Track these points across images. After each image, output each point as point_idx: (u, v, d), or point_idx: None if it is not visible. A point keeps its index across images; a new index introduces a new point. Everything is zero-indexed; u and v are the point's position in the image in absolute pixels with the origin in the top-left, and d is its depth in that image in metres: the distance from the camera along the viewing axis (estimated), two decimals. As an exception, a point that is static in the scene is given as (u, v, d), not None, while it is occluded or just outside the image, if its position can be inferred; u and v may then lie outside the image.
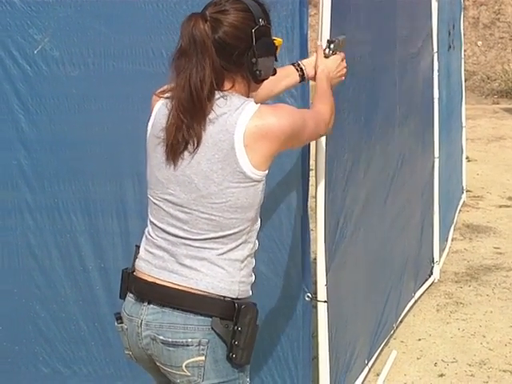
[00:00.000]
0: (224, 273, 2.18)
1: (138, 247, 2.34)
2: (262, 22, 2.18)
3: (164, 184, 2.21)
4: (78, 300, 3.28)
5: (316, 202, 2.95)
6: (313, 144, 2.91)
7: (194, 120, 2.12)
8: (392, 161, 4.26)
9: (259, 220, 2.26)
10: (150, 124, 2.26)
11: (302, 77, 2.65)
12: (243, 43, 2.16)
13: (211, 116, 2.13)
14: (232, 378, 2.20)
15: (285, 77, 2.61)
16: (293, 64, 2.67)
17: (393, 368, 4.05)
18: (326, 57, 2.62)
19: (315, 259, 3.03)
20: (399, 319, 4.53)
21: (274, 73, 2.30)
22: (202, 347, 2.15)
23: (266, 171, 2.18)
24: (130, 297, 2.27)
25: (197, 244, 2.18)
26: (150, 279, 2.22)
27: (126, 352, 2.30)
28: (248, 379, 2.26)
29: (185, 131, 2.13)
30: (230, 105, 2.14)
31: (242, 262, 2.21)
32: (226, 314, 2.15)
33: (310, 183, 2.98)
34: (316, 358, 3.12)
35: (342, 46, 2.66)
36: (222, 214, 2.16)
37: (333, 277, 3.11)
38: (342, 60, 2.64)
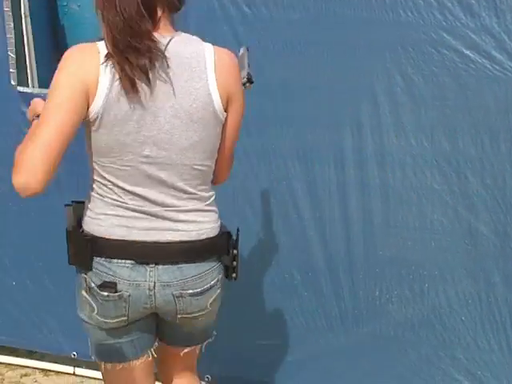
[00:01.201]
0: (213, 214, 2.34)
1: (77, 205, 2.29)
2: None
3: (132, 145, 2.16)
4: (292, 249, 3.35)
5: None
6: None
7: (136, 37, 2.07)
8: None
9: None
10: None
11: None
12: None
13: (178, 60, 2.14)
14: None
15: None
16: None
17: None
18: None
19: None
20: None
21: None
22: (219, 282, 2.37)
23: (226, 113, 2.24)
24: (120, 262, 2.23)
25: (184, 199, 2.25)
26: (148, 239, 2.22)
27: (114, 321, 2.28)
28: None
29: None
30: (186, 43, 2.17)
31: (214, 198, 2.35)
32: (227, 244, 2.37)
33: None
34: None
35: None
36: (202, 162, 2.24)
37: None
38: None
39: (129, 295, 2.25)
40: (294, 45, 3.14)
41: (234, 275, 2.40)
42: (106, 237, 2.21)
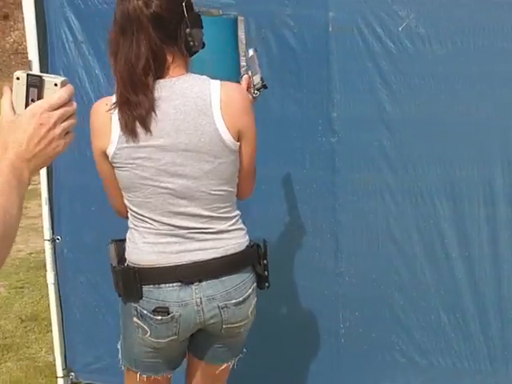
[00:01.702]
0: (238, 231, 2.60)
1: (117, 242, 2.61)
2: None
3: (152, 179, 2.48)
4: (439, 289, 3.29)
5: None
6: None
7: (139, 94, 2.38)
8: None
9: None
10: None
11: None
12: (177, 15, 2.39)
13: (168, 96, 2.40)
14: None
15: None
16: None
17: None
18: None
19: None
20: None
21: (203, 46, 2.52)
22: (254, 292, 2.64)
23: (238, 142, 2.49)
24: (168, 286, 2.50)
25: (204, 221, 2.52)
26: (187, 261, 2.49)
27: (165, 341, 2.55)
28: None
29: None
30: (192, 84, 2.42)
31: (240, 217, 2.62)
32: (257, 256, 2.65)
33: None
34: None
35: None
36: (218, 188, 2.51)
37: None
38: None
39: (179, 315, 2.52)
40: (441, 79, 3.10)
41: (266, 284, 2.68)
42: (150, 264, 2.51)
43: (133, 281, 2.51)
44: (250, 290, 2.61)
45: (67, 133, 1.51)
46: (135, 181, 2.48)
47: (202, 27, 2.49)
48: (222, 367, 2.73)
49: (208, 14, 3.51)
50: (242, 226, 2.63)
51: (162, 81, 2.43)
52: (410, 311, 3.36)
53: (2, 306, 5.09)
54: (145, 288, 2.51)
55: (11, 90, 1.50)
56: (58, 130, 1.48)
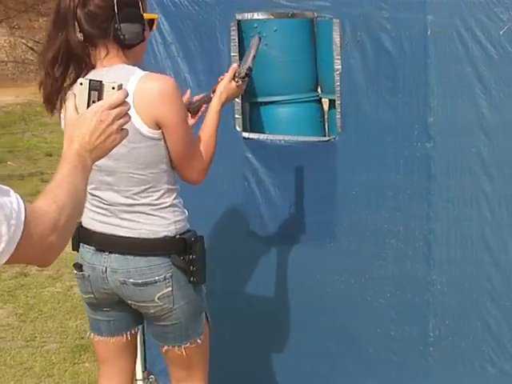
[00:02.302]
0: (159, 219, 2.84)
1: None
2: None
3: None
4: None
5: None
6: None
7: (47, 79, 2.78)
8: None
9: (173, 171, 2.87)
10: None
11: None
12: (107, 12, 2.74)
13: None
14: (194, 297, 2.91)
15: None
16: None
17: None
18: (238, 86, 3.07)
19: None
20: None
21: (143, 39, 2.84)
22: (167, 281, 2.84)
23: (161, 130, 2.77)
24: (86, 247, 2.93)
25: (128, 201, 2.83)
26: (105, 232, 2.86)
27: (86, 296, 2.98)
28: (203, 296, 2.97)
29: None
30: (116, 74, 2.69)
31: (172, 205, 2.87)
32: (180, 249, 2.85)
33: None
34: None
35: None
36: (137, 171, 2.80)
37: None
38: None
39: (88, 275, 2.93)
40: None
41: (192, 279, 2.87)
42: (84, 226, 2.92)
43: (75, 236, 2.93)
44: (158, 277, 2.83)
45: (122, 129, 1.85)
46: None
47: (139, 23, 2.81)
48: (173, 348, 2.97)
49: (302, 16, 3.55)
50: (167, 215, 2.87)
51: (93, 71, 2.81)
52: (502, 321, 3.33)
53: (77, 306, 5.16)
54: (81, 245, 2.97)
55: (74, 94, 1.86)
56: (115, 126, 1.82)
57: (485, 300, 3.33)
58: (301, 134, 3.64)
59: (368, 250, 3.47)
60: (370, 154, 3.42)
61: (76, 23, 2.74)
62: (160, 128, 2.79)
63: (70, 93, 1.89)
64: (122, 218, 2.87)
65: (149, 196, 2.86)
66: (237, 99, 3.61)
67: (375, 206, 3.44)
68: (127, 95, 1.85)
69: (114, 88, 1.83)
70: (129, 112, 2.44)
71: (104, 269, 2.89)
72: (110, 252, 2.89)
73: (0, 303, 5.32)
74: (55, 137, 10.54)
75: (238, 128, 3.65)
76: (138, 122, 2.74)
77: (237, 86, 3.05)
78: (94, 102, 1.83)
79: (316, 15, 3.46)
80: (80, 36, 2.76)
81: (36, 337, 4.79)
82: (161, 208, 2.86)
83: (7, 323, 5.00)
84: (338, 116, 3.45)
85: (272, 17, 3.64)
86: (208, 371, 3.13)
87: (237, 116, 3.65)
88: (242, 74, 3.04)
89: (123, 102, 1.83)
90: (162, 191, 2.87)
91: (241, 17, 3.60)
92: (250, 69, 3.06)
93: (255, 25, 4.18)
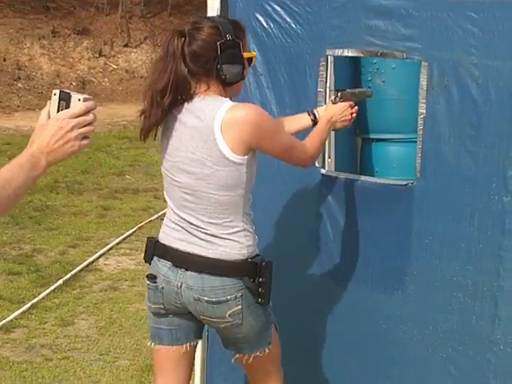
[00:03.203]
0: (232, 242, 3.09)
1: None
2: (229, 36, 3.04)
3: (169, 171, 3.15)
4: None
5: None
6: None
7: (152, 109, 3.05)
8: None
9: (251, 196, 3.13)
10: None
11: (314, 121, 3.45)
12: (211, 53, 3.04)
13: (192, 112, 3.06)
14: (261, 313, 3.16)
15: (299, 119, 3.48)
16: (307, 111, 3.49)
17: None
18: (334, 103, 3.41)
19: None
20: None
21: (242, 78, 3.14)
22: (237, 300, 3.08)
23: (246, 155, 3.03)
24: (163, 262, 3.15)
25: (204, 221, 3.08)
26: (180, 248, 3.11)
27: (155, 306, 3.20)
28: (270, 310, 3.20)
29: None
30: (208, 103, 3.05)
31: (244, 230, 3.11)
32: (252, 272, 3.09)
33: None
34: None
35: (360, 97, 3.48)
36: (217, 192, 3.05)
37: None
38: (350, 107, 3.42)
39: (162, 287, 3.15)
40: None
41: (260, 300, 3.11)
42: (160, 241, 3.19)
43: (149, 250, 3.23)
44: (230, 297, 3.07)
45: (85, 137, 2.06)
46: (163, 171, 3.21)
47: (239, 63, 3.08)
48: (243, 356, 3.22)
49: (392, 56, 3.57)
50: (240, 239, 3.11)
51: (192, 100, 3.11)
52: None
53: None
54: (154, 258, 3.21)
55: (49, 103, 2.07)
56: (73, 133, 2.04)
57: None
58: (409, 173, 3.66)
59: (435, 301, 3.43)
60: (447, 203, 3.39)
61: (182, 59, 3.03)
62: (247, 154, 3.03)
63: (48, 102, 2.10)
64: (197, 237, 3.11)
65: (224, 218, 3.09)
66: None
67: (446, 256, 3.40)
68: (92, 107, 2.07)
69: (79, 100, 2.06)
70: (216, 139, 2.99)
71: (179, 284, 3.12)
72: (186, 269, 3.11)
73: (85, 315, 5.50)
74: (177, 156, 10.80)
75: (316, 164, 3.68)
76: (224, 148, 3.01)
77: (333, 103, 3.42)
78: (61, 110, 2.06)
79: (405, 56, 3.47)
80: (185, 71, 3.05)
81: (110, 351, 4.93)
82: (234, 232, 3.10)
83: (86, 335, 5.17)
84: (419, 161, 3.44)
85: (362, 55, 3.67)
86: (282, 373, 3.37)
87: (317, 151, 3.67)
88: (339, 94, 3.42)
89: (86, 114, 2.05)
90: (237, 215, 3.10)
91: (331, 52, 3.65)
92: (346, 92, 3.44)
93: (374, 61, 4.24)
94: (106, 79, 16.72)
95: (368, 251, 3.59)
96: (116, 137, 11.78)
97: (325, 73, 3.66)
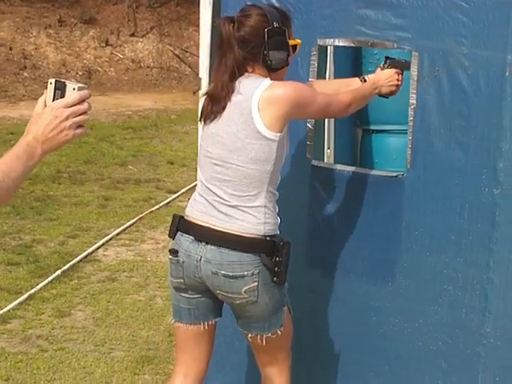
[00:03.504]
0: (251, 217, 3.15)
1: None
2: (276, 24, 3.15)
3: (204, 143, 3.26)
4: None
5: None
6: None
7: (224, 91, 3.16)
8: None
9: (279, 176, 3.22)
10: None
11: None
12: (258, 39, 3.14)
13: (237, 89, 3.15)
14: (276, 293, 3.22)
15: (350, 82, 3.55)
16: (358, 76, 3.62)
17: None
18: (382, 69, 3.49)
19: None
20: None
21: (287, 64, 3.22)
22: (254, 276, 3.15)
23: (279, 133, 3.12)
24: (185, 236, 3.24)
25: (228, 193, 3.16)
26: (203, 224, 3.19)
27: (176, 281, 3.28)
28: (285, 291, 3.27)
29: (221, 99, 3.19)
30: (250, 81, 3.15)
31: (265, 207, 3.17)
32: (270, 250, 3.15)
33: None
34: None
35: (406, 67, 3.43)
36: (245, 165, 3.13)
37: None
38: (397, 74, 3.47)
39: (183, 261, 3.23)
40: None
41: (275, 279, 3.17)
42: (185, 215, 3.29)
43: (173, 226, 3.32)
44: (247, 273, 3.14)
45: (80, 126, 2.10)
46: (200, 142, 3.37)
47: (285, 50, 3.18)
48: (255, 337, 3.28)
49: (382, 46, 3.53)
50: (258, 214, 3.16)
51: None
52: None
53: (154, 317, 5.27)
54: (178, 233, 3.29)
55: (45, 92, 2.10)
56: (68, 122, 2.07)
57: None
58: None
59: (425, 294, 3.41)
60: (436, 195, 3.36)
61: (237, 44, 3.16)
62: (282, 130, 3.14)
63: (44, 91, 2.15)
64: (218, 210, 3.19)
65: (248, 191, 3.17)
66: (310, 125, 3.63)
67: (436, 249, 3.37)
68: (87, 96, 2.10)
69: (74, 89, 2.09)
70: (252, 114, 3.10)
71: (199, 258, 3.19)
72: (207, 243, 3.19)
73: (82, 305, 5.47)
74: (182, 146, 10.79)
75: (308, 155, 3.65)
76: (259, 124, 3.12)
77: (381, 69, 3.50)
78: (57, 99, 2.09)
79: (396, 46, 3.43)
80: (241, 54, 3.18)
81: (106, 343, 4.90)
82: (254, 206, 3.17)
83: (82, 326, 5.15)
84: (409, 152, 3.41)
85: (353, 44, 3.63)
86: (291, 356, 3.41)
87: (308, 143, 3.65)
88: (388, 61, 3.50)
89: (81, 103, 2.09)
90: (261, 190, 3.17)
91: (322, 42, 3.62)
92: (395, 60, 3.50)
93: (375, 51, 4.21)
94: (112, 69, 16.68)
95: (358, 243, 3.57)
96: (120, 127, 11.74)
97: (316, 62, 3.62)
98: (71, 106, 2.08)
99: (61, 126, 2.07)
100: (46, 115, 2.08)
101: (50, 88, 2.11)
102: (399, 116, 4.22)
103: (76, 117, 2.09)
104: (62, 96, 2.09)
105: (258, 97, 3.11)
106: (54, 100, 2.10)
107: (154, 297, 5.66)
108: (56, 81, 2.10)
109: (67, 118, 2.07)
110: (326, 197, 3.63)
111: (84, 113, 2.10)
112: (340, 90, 3.44)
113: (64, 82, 2.10)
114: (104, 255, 6.51)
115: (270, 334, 3.26)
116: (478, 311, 3.28)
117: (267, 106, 3.10)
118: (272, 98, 3.11)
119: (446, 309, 3.36)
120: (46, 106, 2.11)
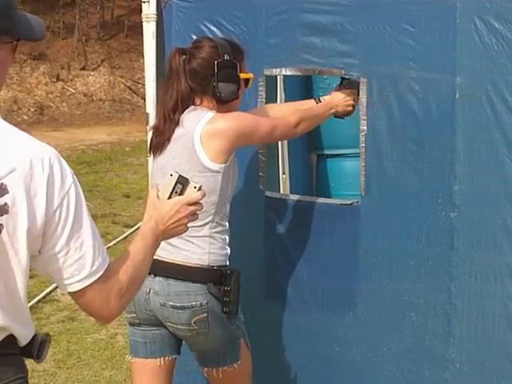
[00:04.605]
0: (195, 247, 3.08)
1: None
2: (226, 56, 3.13)
3: (154, 176, 3.24)
4: None
5: None
6: None
7: (167, 125, 3.14)
8: None
9: (227, 206, 3.14)
10: None
11: None
12: (208, 70, 3.12)
13: (181, 122, 3.11)
14: (228, 324, 3.12)
15: (305, 104, 3.49)
16: (314, 98, 3.56)
17: None
18: (338, 90, 3.42)
19: None
20: None
21: (237, 97, 3.17)
22: (203, 307, 3.06)
23: (223, 164, 3.06)
24: None
25: None
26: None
27: (130, 315, 3.17)
28: (240, 324, 3.19)
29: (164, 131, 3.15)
30: (195, 114, 3.11)
31: (210, 237, 3.09)
32: (216, 279, 3.07)
33: None
34: None
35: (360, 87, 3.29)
36: None
37: None
38: (353, 94, 3.38)
39: None
40: None
41: (225, 309, 3.08)
42: None
43: None
44: (195, 303, 3.05)
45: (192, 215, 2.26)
46: (150, 174, 3.40)
47: (235, 83, 3.14)
48: (212, 371, 3.19)
49: (330, 73, 3.45)
50: (203, 245, 3.08)
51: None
52: None
53: (116, 356, 5.12)
54: None
55: (157, 187, 2.27)
56: (186, 219, 2.23)
57: (506, 383, 3.12)
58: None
59: (387, 321, 3.32)
60: (393, 221, 3.27)
61: (185, 76, 3.13)
62: (227, 161, 3.07)
63: (155, 184, 2.31)
64: (167, 242, 3.00)
65: (192, 226, 2.96)
66: (262, 157, 3.54)
67: (396, 275, 3.28)
68: (203, 197, 2.24)
69: (195, 188, 2.23)
70: (195, 147, 3.03)
71: (148, 290, 3.11)
72: (155, 275, 3.09)
73: (42, 348, 5.31)
74: (137, 178, 10.66)
75: (261, 186, 3.54)
76: (202, 156, 3.06)
77: (336, 91, 3.43)
78: (176, 192, 2.22)
79: (343, 73, 3.35)
80: (188, 87, 3.15)
81: (67, 386, 4.76)
82: (199, 236, 3.09)
83: (44, 369, 4.96)
84: (362, 179, 3.32)
85: (300, 73, 3.55)
86: None
87: (261, 174, 3.55)
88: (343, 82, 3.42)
89: (197, 202, 2.24)
90: (206, 221, 3.08)
91: (269, 72, 3.52)
92: (350, 80, 3.37)
93: (325, 76, 4.12)
94: (64, 104, 16.55)
95: (316, 273, 3.46)
96: (75, 162, 11.57)
97: (264, 93, 3.53)
98: (191, 205, 2.22)
99: (180, 221, 2.22)
100: (169, 208, 2.21)
101: (171, 179, 2.23)
102: (352, 140, 4.14)
103: (193, 214, 2.25)
104: (182, 191, 2.23)
105: (199, 131, 3.07)
106: (172, 192, 2.22)
107: (115, 335, 5.49)
108: (179, 176, 2.22)
109: (188, 215, 2.22)
110: (281, 228, 3.53)
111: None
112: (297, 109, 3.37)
113: (187, 179, 2.23)
114: (62, 294, 6.31)
115: (226, 368, 3.16)
116: (442, 337, 3.19)
117: (209, 140, 3.05)
118: (214, 131, 3.06)
119: (409, 336, 3.26)
120: (158, 191, 2.25)
